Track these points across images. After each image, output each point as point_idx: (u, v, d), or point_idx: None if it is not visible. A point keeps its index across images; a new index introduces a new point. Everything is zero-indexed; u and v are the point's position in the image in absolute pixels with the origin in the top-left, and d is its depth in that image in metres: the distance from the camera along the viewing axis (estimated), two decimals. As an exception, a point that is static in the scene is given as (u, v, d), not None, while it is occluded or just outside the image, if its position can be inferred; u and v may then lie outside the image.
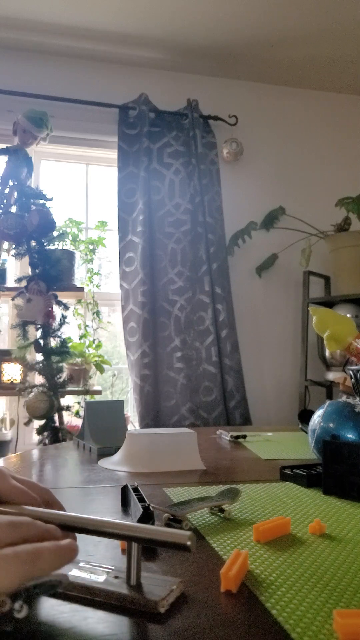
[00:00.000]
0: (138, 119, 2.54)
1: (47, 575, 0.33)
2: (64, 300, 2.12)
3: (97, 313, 2.50)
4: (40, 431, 2.05)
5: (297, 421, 1.29)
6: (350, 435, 0.77)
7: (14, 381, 2.25)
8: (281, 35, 2.45)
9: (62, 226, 2.46)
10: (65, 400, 2.22)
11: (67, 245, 2.45)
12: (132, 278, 2.46)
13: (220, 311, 2.46)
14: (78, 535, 0.49)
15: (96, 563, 0.42)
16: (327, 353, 2.44)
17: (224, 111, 2.73)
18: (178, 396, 2.39)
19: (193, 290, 2.49)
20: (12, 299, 2.15)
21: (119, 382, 2.75)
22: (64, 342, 2.13)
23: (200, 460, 0.88)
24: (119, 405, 1.12)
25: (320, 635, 0.32)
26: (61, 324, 2.12)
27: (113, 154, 2.62)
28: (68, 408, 2.13)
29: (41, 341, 2.09)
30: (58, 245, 2.31)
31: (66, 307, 2.12)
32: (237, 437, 1.17)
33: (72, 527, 0.41)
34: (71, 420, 2.28)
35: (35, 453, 1.03)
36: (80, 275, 2.51)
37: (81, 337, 2.45)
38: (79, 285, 2.42)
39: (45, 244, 2.14)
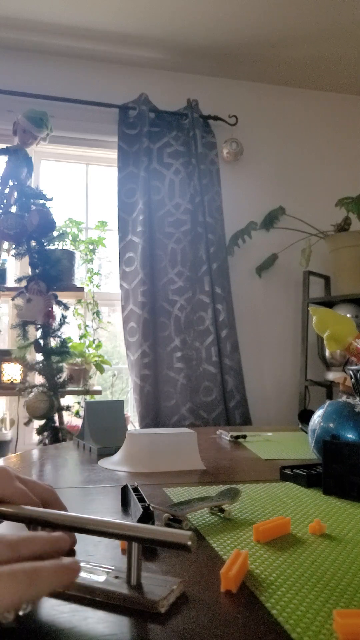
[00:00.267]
0: (138, 119, 2.54)
1: (45, 595, 0.32)
2: (64, 300, 2.13)
3: (97, 313, 2.50)
4: (40, 431, 2.05)
5: (297, 421, 1.29)
6: (350, 435, 0.77)
7: (14, 381, 2.25)
8: (281, 35, 2.45)
9: (62, 226, 2.46)
10: (65, 400, 2.22)
11: (67, 245, 2.45)
12: (132, 278, 2.46)
13: (220, 311, 2.46)
14: (78, 535, 0.49)
15: (96, 563, 0.42)
16: (327, 353, 2.44)
17: (224, 111, 2.73)
18: (178, 396, 2.39)
19: (193, 290, 2.49)
20: (12, 299, 2.15)
21: (119, 382, 2.75)
22: (64, 342, 2.13)
23: (200, 460, 0.88)
24: (119, 405, 1.12)
25: (320, 635, 0.32)
26: (61, 324, 2.12)
27: (113, 154, 2.62)
28: (68, 408, 2.13)
29: (41, 341, 2.09)
30: (58, 245, 2.31)
31: (66, 307, 2.12)
32: (237, 437, 1.17)
33: (72, 527, 0.41)
34: (71, 420, 2.28)
35: (35, 453, 1.03)
36: (80, 275, 2.51)
37: (81, 337, 2.45)
38: (79, 285, 2.42)
39: (45, 244, 2.14)
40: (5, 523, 0.50)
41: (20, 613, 0.32)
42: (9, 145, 2.18)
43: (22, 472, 0.84)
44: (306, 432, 1.03)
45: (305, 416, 1.20)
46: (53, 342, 2.13)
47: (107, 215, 2.66)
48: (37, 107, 2.21)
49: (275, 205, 2.71)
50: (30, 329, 2.12)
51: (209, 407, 2.39)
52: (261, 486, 0.73)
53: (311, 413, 0.96)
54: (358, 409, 0.80)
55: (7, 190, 2.13)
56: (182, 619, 0.35)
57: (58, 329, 2.11)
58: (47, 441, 2.04)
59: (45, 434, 2.05)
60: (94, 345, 2.44)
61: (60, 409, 2.09)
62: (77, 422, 2.25)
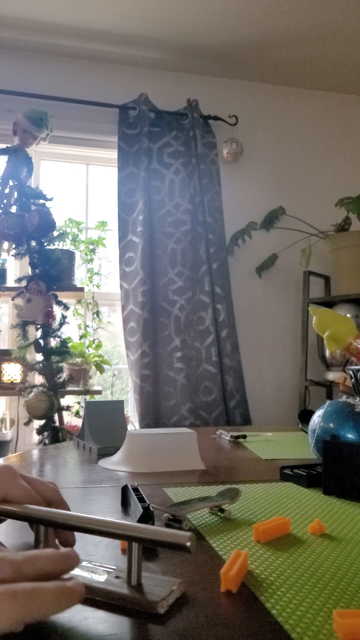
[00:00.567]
0: (138, 119, 2.54)
1: (45, 617, 0.30)
2: (64, 300, 2.13)
3: (97, 313, 2.50)
4: (40, 431, 2.05)
5: (297, 421, 1.29)
6: (350, 435, 0.77)
7: (14, 381, 2.25)
8: (281, 35, 2.45)
9: (62, 226, 2.46)
10: (65, 400, 2.22)
11: (67, 245, 2.45)
12: (132, 278, 2.46)
13: (220, 311, 2.46)
14: (78, 535, 0.49)
15: (98, 563, 0.42)
16: (327, 353, 2.44)
17: (224, 111, 2.73)
18: (178, 396, 2.39)
19: (193, 290, 2.49)
20: (12, 299, 2.15)
21: (119, 382, 2.75)
22: (64, 342, 2.13)
23: (200, 460, 0.88)
24: (119, 405, 1.12)
25: (320, 635, 0.32)
26: (61, 324, 2.12)
27: (113, 154, 2.62)
28: (68, 408, 2.13)
29: (41, 341, 2.09)
30: (58, 245, 2.31)
31: (66, 307, 2.12)
32: (237, 437, 1.17)
33: (72, 527, 0.41)
34: (71, 420, 2.28)
35: (35, 453, 1.03)
36: (80, 275, 2.51)
37: (81, 337, 2.45)
38: (79, 285, 2.42)
39: (45, 244, 2.14)
40: (9, 522, 0.50)
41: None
42: (9, 145, 2.18)
43: (23, 472, 0.84)
44: (306, 432, 1.03)
45: (305, 416, 1.20)
46: (53, 342, 2.13)
47: (107, 215, 2.66)
48: (37, 107, 2.21)
49: (275, 205, 2.71)
50: (30, 329, 2.12)
51: (209, 407, 2.39)
52: (261, 486, 0.73)
53: (311, 413, 0.96)
54: (358, 409, 0.80)
55: (7, 190, 2.13)
56: (182, 619, 0.35)
57: (58, 329, 2.11)
58: (47, 441, 2.04)
59: (45, 434, 2.05)
60: (94, 345, 2.44)
61: (60, 409, 2.09)
62: (77, 422, 2.25)
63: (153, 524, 0.53)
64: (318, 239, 2.58)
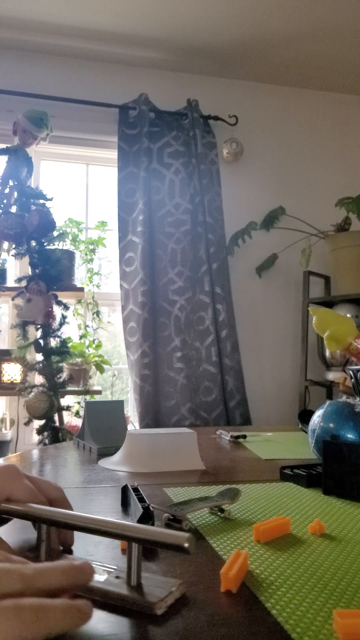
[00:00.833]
0: (138, 119, 2.54)
1: (51, 635, 0.29)
2: (64, 300, 2.12)
3: (97, 313, 2.50)
4: (40, 431, 2.05)
5: (297, 421, 1.29)
6: (350, 435, 0.77)
7: (14, 381, 2.25)
8: (281, 35, 2.45)
9: (62, 226, 2.46)
10: (65, 400, 2.22)
11: (67, 245, 2.44)
12: (132, 278, 2.46)
13: (220, 311, 2.46)
14: (79, 534, 0.49)
15: (99, 562, 0.42)
16: (327, 353, 2.44)
17: (224, 111, 2.73)
18: (178, 396, 2.39)
19: (193, 290, 2.49)
20: (12, 299, 2.15)
21: (119, 382, 2.75)
22: (64, 342, 2.13)
23: (200, 460, 0.88)
24: (119, 405, 1.12)
25: (320, 635, 0.32)
26: (61, 324, 2.12)
27: (113, 154, 2.62)
28: (68, 408, 2.13)
29: (41, 341, 2.09)
30: (58, 245, 2.31)
31: (66, 307, 2.12)
32: (237, 437, 1.17)
33: (71, 526, 0.41)
34: (71, 420, 2.28)
35: (35, 453, 1.03)
36: (80, 275, 2.51)
37: (81, 337, 2.45)
38: (79, 285, 2.42)
39: (45, 244, 2.14)
40: (13, 521, 0.50)
41: None
42: (9, 145, 2.18)
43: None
44: (306, 432, 1.03)
45: (305, 416, 1.20)
46: (53, 342, 2.13)
47: (107, 215, 2.66)
48: (37, 107, 2.21)
49: (275, 205, 2.71)
50: (30, 329, 2.12)
51: (209, 407, 2.39)
52: (261, 486, 0.73)
53: (311, 413, 0.96)
54: (358, 409, 0.80)
55: (7, 190, 2.13)
56: (182, 619, 0.35)
57: (58, 329, 2.11)
58: (47, 441, 2.04)
59: (45, 434, 2.05)
60: (94, 345, 2.44)
61: (60, 409, 2.09)
62: (77, 422, 2.25)
63: (153, 524, 0.53)
64: (318, 239, 2.58)
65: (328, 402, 0.84)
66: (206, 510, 0.60)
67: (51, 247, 2.20)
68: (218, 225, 2.58)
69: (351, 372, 0.87)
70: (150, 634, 0.33)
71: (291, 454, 0.99)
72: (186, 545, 0.35)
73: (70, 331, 2.34)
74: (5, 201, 2.12)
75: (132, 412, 2.57)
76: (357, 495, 0.65)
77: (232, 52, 2.58)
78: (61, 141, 2.56)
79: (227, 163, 2.72)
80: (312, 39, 2.48)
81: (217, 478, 0.79)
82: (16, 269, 2.49)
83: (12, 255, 2.16)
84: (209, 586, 0.40)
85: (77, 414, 2.22)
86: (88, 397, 2.29)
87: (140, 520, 0.52)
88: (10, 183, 2.14)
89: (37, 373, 2.12)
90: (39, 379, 2.19)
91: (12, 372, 2.27)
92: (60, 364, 2.12)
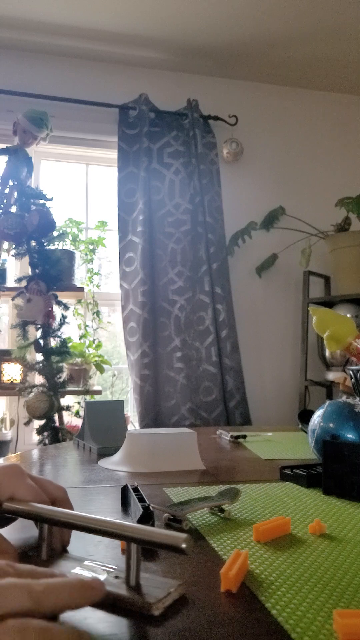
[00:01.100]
0: (138, 119, 2.54)
1: None
2: (64, 300, 2.12)
3: (97, 313, 2.50)
4: (40, 431, 2.05)
5: (297, 421, 1.29)
6: (350, 435, 0.77)
7: (14, 381, 2.25)
8: (281, 35, 2.45)
9: (62, 226, 2.46)
10: (65, 400, 2.22)
11: (67, 245, 2.44)
12: (132, 278, 2.46)
13: (220, 311, 2.46)
14: (79, 534, 0.49)
15: (100, 562, 0.42)
16: (327, 353, 2.44)
17: (224, 111, 2.73)
18: (178, 396, 2.39)
19: (193, 290, 2.49)
20: (12, 299, 2.15)
21: (119, 382, 2.75)
22: (64, 342, 2.13)
23: (200, 460, 0.88)
24: (119, 405, 1.12)
25: (320, 635, 0.32)
26: (61, 324, 2.12)
27: (113, 154, 2.62)
28: (68, 408, 2.13)
29: (41, 341, 2.09)
30: (58, 245, 2.31)
31: (66, 307, 2.12)
32: (237, 437, 1.17)
33: (70, 525, 0.41)
34: (71, 420, 2.28)
35: (35, 453, 1.03)
36: (80, 275, 2.51)
37: (81, 337, 2.45)
38: (79, 285, 2.42)
39: (45, 244, 2.14)
40: (18, 522, 0.50)
41: None
42: (9, 145, 2.18)
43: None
44: (306, 432, 1.03)
45: (305, 416, 1.20)
46: (53, 342, 2.12)
47: (107, 215, 2.66)
48: (37, 107, 2.21)
49: (275, 205, 2.71)
50: (30, 329, 2.12)
51: (209, 407, 2.39)
52: (261, 486, 0.73)
53: (311, 413, 0.96)
54: (358, 409, 0.80)
55: (7, 190, 2.13)
56: (182, 619, 0.35)
57: (58, 329, 2.11)
58: (47, 441, 2.04)
59: (45, 434, 2.05)
60: (94, 345, 2.44)
61: (60, 409, 2.09)
62: (77, 422, 2.25)
63: (153, 524, 0.53)
64: (318, 239, 2.58)
65: (328, 402, 0.84)
66: (206, 510, 0.60)
67: (51, 247, 2.20)
68: (218, 225, 2.58)
69: (351, 372, 0.87)
70: (150, 634, 0.33)
71: (291, 454, 0.99)
72: (183, 546, 0.35)
73: (70, 331, 2.34)
74: (5, 201, 2.12)
75: (132, 412, 2.57)
76: (357, 495, 0.65)
77: (232, 52, 2.58)
78: (61, 141, 2.56)
79: (227, 163, 2.72)
80: (312, 39, 2.48)
81: (217, 478, 0.79)
82: (16, 269, 2.49)
83: (12, 255, 2.16)
84: (209, 586, 0.40)
85: (77, 414, 2.22)
86: (88, 397, 2.29)
87: (140, 520, 0.52)
88: (10, 183, 2.14)
89: (37, 373, 2.12)
90: (39, 379, 2.19)
91: (12, 372, 2.27)
92: (60, 364, 2.12)
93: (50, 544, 0.45)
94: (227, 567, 0.40)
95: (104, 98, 2.55)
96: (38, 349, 2.08)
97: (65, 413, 2.14)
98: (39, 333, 2.11)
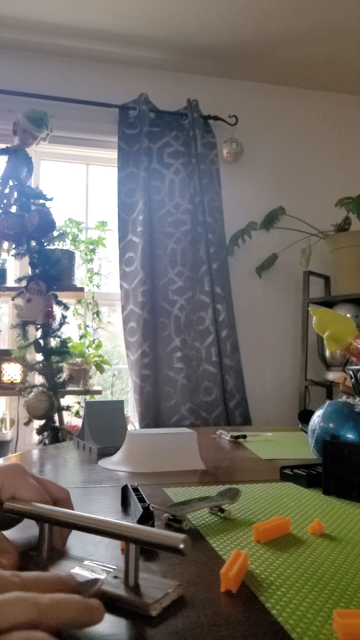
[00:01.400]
0: (138, 119, 2.54)
1: None
2: (64, 300, 2.12)
3: (97, 313, 2.50)
4: (40, 431, 2.05)
5: (297, 421, 1.29)
6: (350, 435, 0.77)
7: (14, 381, 2.25)
8: (281, 35, 2.45)
9: (62, 226, 2.46)
10: (65, 400, 2.22)
11: (67, 245, 2.44)
12: (132, 278, 2.46)
13: (220, 311, 2.46)
14: (79, 534, 0.49)
15: (99, 562, 0.42)
16: (327, 353, 2.44)
17: (224, 111, 2.73)
18: (178, 396, 2.39)
19: (193, 290, 2.49)
20: (12, 299, 2.15)
21: (119, 382, 2.75)
22: (64, 342, 2.13)
23: (200, 460, 0.88)
24: (119, 405, 1.12)
25: (320, 635, 0.32)
26: (61, 324, 2.12)
27: (113, 154, 2.62)
28: (68, 408, 2.13)
29: (41, 341, 2.09)
30: (58, 245, 2.31)
31: (66, 307, 2.12)
32: (237, 437, 1.17)
33: (68, 525, 0.41)
34: (71, 420, 2.28)
35: (35, 453, 1.03)
36: (80, 275, 2.51)
37: (81, 337, 2.45)
38: (79, 285, 2.42)
39: (45, 244, 2.14)
40: (22, 522, 0.51)
41: None
42: (9, 145, 2.18)
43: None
44: (306, 432, 1.03)
45: (305, 416, 1.20)
46: (53, 342, 2.12)
47: (107, 215, 2.66)
48: (37, 107, 2.21)
49: (275, 205, 2.71)
50: (30, 329, 2.12)
51: (209, 407, 2.39)
52: (261, 486, 0.73)
53: (311, 413, 0.96)
54: (358, 409, 0.80)
55: (7, 190, 2.13)
56: (182, 619, 0.35)
57: (58, 329, 2.11)
58: (47, 441, 2.04)
59: (45, 434, 2.05)
60: (94, 345, 2.44)
61: (60, 409, 2.09)
62: (77, 422, 2.25)
63: (153, 524, 0.53)
64: (318, 239, 2.58)
65: (328, 402, 0.84)
66: (206, 510, 0.60)
67: (51, 247, 2.20)
68: (218, 225, 2.58)
69: (351, 372, 0.87)
70: (150, 634, 0.33)
71: (291, 454, 0.99)
72: (181, 546, 0.35)
73: (70, 331, 2.34)
74: (5, 201, 2.12)
75: (132, 412, 2.57)
76: (357, 495, 0.65)
77: (232, 52, 2.58)
78: (61, 141, 2.56)
79: (227, 163, 2.72)
80: (312, 39, 2.48)
81: (217, 478, 0.79)
82: (16, 269, 2.49)
83: (12, 255, 2.16)
84: (209, 586, 0.40)
85: (77, 414, 2.22)
86: (88, 397, 2.29)
87: (140, 520, 0.52)
88: (10, 183, 2.14)
89: (37, 373, 2.12)
90: (39, 379, 2.19)
91: (12, 372, 2.27)
92: (60, 364, 2.12)
93: (50, 543, 0.45)
94: (227, 567, 0.40)
95: (104, 98, 2.55)
96: (38, 349, 2.08)
97: (65, 413, 2.14)
98: (39, 333, 2.11)
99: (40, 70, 2.54)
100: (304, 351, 2.52)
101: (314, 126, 2.91)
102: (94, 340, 2.46)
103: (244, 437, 1.18)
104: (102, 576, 0.39)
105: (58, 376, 2.08)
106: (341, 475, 0.67)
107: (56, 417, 2.08)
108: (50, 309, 2.08)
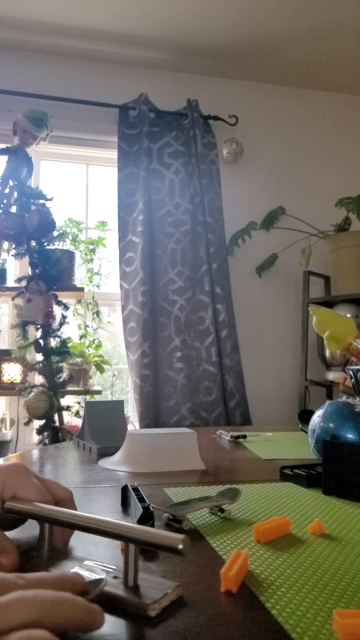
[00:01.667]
0: (138, 119, 2.54)
1: None
2: (64, 300, 2.12)
3: (97, 313, 2.50)
4: (40, 431, 2.05)
5: (297, 421, 1.29)
6: (350, 435, 0.77)
7: (14, 381, 2.25)
8: (281, 35, 2.45)
9: (62, 226, 2.46)
10: (65, 400, 2.22)
11: (67, 245, 2.44)
12: (132, 278, 2.46)
13: (220, 311, 2.46)
14: (78, 534, 0.49)
15: (100, 562, 0.42)
16: (327, 353, 2.44)
17: (224, 111, 2.73)
18: (178, 396, 2.39)
19: (193, 290, 2.49)
20: (12, 299, 2.15)
21: (119, 382, 2.75)
22: (64, 342, 2.13)
23: (200, 460, 0.88)
24: (119, 405, 1.12)
25: (320, 635, 0.32)
26: (61, 324, 2.12)
27: (113, 154, 2.62)
28: (68, 408, 2.13)
29: (41, 341, 2.09)
30: (58, 245, 2.31)
31: (66, 307, 2.12)
32: (237, 437, 1.17)
33: (66, 524, 0.41)
34: (71, 420, 2.28)
35: (35, 453, 1.03)
36: (80, 275, 2.51)
37: (81, 337, 2.45)
38: (79, 285, 2.42)
39: (45, 244, 2.14)
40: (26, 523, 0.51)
41: None
42: (9, 145, 2.18)
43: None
44: (306, 432, 1.03)
45: (305, 416, 1.20)
46: (53, 342, 2.12)
47: (107, 215, 2.66)
48: (37, 107, 2.21)
49: (275, 205, 2.71)
50: (30, 329, 2.12)
51: (209, 407, 2.39)
52: (261, 486, 0.73)
53: (311, 413, 0.96)
54: (358, 409, 0.80)
55: (7, 190, 2.13)
56: (182, 619, 0.35)
57: (58, 329, 2.11)
58: (47, 441, 2.04)
59: (45, 434, 2.05)
60: (94, 345, 2.44)
61: (60, 409, 2.09)
62: (77, 422, 2.25)
63: (153, 524, 0.53)
64: (318, 239, 2.58)
65: (328, 402, 0.84)
66: (206, 510, 0.60)
67: (51, 247, 2.20)
68: (218, 225, 2.58)
69: (351, 372, 0.87)
70: (150, 634, 0.33)
71: (291, 454, 0.99)
72: (180, 547, 0.35)
73: (70, 331, 2.34)
74: (5, 201, 2.12)
75: (132, 412, 2.57)
76: (357, 495, 0.65)
77: (232, 52, 2.58)
78: (61, 141, 2.56)
79: (227, 163, 2.72)
80: (312, 39, 2.48)
81: (217, 478, 0.79)
82: (16, 269, 2.49)
83: (12, 255, 2.16)
84: (209, 586, 0.40)
85: (77, 414, 2.22)
86: (88, 397, 2.29)
87: (140, 520, 0.52)
88: (10, 183, 2.13)
89: (37, 373, 2.12)
90: (39, 379, 2.19)
91: (12, 372, 2.27)
92: (60, 364, 2.12)
93: (50, 543, 0.45)
94: (227, 567, 0.40)
95: (104, 98, 2.55)
96: (38, 349, 2.08)
97: (65, 413, 2.14)
98: (39, 333, 2.11)
99: (40, 70, 2.54)
100: (304, 351, 2.52)
101: (314, 126, 2.91)
102: (94, 340, 2.46)
103: (244, 437, 1.18)
104: (102, 576, 0.39)
105: (58, 376, 2.08)
106: (341, 475, 0.67)
107: (56, 417, 2.08)
108: (50, 309, 2.08)
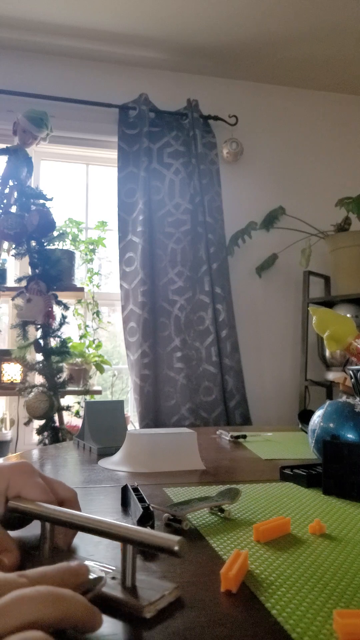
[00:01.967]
0: (138, 119, 2.54)
1: None
2: (64, 300, 2.12)
3: (97, 313, 2.50)
4: (40, 431, 2.05)
5: (297, 421, 1.29)
6: (350, 435, 0.77)
7: (14, 381, 2.25)
8: (281, 35, 2.45)
9: (62, 226, 2.46)
10: (65, 400, 2.22)
11: (67, 245, 2.44)
12: (132, 278, 2.46)
13: (220, 311, 2.46)
14: (78, 534, 0.49)
15: (99, 562, 0.42)
16: (327, 353, 2.44)
17: (224, 111, 2.73)
18: (178, 396, 2.39)
19: (193, 290, 2.49)
20: (12, 299, 2.15)
21: (119, 382, 2.75)
22: (64, 342, 2.13)
23: (200, 460, 0.88)
24: (119, 405, 1.12)
25: (320, 635, 0.32)
26: (61, 324, 2.12)
27: (113, 154, 2.62)
28: (68, 408, 2.13)
29: (41, 341, 2.09)
30: (58, 245, 2.31)
31: (66, 307, 2.12)
32: (237, 437, 1.17)
33: (65, 524, 0.41)
34: (71, 420, 2.28)
35: (35, 453, 1.03)
36: (80, 275, 2.51)
37: (81, 337, 2.45)
38: (79, 285, 2.42)
39: (45, 244, 2.14)
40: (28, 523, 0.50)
41: None
42: (9, 145, 2.18)
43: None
44: (306, 432, 1.03)
45: (305, 416, 1.20)
46: (53, 342, 2.12)
47: (107, 215, 2.66)
48: (37, 107, 2.21)
49: (275, 205, 2.71)
50: (30, 329, 2.12)
51: (209, 407, 2.39)
52: (261, 486, 0.73)
53: (311, 413, 0.96)
54: (358, 409, 0.80)
55: (7, 190, 2.13)
56: (182, 619, 0.35)
57: (58, 329, 2.11)
58: (47, 441, 2.04)
59: (45, 434, 2.05)
60: (94, 345, 2.44)
61: (60, 409, 2.09)
62: (77, 422, 2.25)
63: (153, 524, 0.53)
64: (318, 239, 2.58)
65: (328, 402, 0.84)
66: (206, 510, 0.60)
67: (51, 247, 2.20)
68: (218, 225, 2.58)
69: (351, 372, 0.87)
70: (151, 634, 0.33)
71: (291, 454, 0.99)
72: (176, 548, 0.35)
73: (70, 331, 2.34)
74: (5, 201, 2.12)
75: (132, 412, 2.57)
76: (357, 495, 0.65)
77: (232, 52, 2.58)
78: (61, 141, 2.56)
79: (227, 163, 2.72)
80: (312, 39, 2.48)
81: (217, 478, 0.79)
82: (16, 269, 2.49)
83: (12, 255, 2.16)
84: (209, 586, 0.40)
85: (77, 414, 2.22)
86: (88, 397, 2.29)
87: (140, 520, 0.52)
88: (10, 183, 2.13)
89: (37, 373, 2.12)
90: (39, 379, 2.19)
91: (12, 372, 2.27)
92: (60, 364, 2.12)
93: (52, 543, 0.45)
94: (227, 567, 0.40)
95: (104, 98, 2.55)
96: (38, 349, 2.08)
97: (65, 413, 2.14)
98: (39, 333, 2.11)
99: (40, 70, 2.54)
100: (304, 351, 2.52)
101: (314, 126, 2.91)
102: (94, 340, 2.46)
103: (244, 437, 1.18)
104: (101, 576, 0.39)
105: (58, 376, 2.08)
106: (341, 475, 0.67)
107: (56, 417, 2.08)
108: (50, 309, 2.08)
